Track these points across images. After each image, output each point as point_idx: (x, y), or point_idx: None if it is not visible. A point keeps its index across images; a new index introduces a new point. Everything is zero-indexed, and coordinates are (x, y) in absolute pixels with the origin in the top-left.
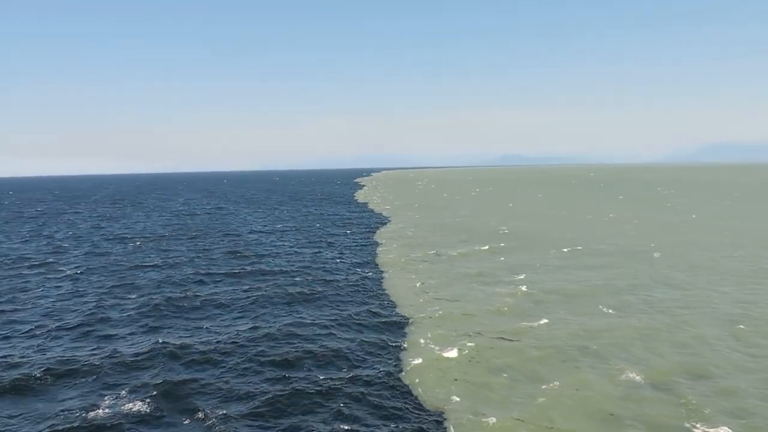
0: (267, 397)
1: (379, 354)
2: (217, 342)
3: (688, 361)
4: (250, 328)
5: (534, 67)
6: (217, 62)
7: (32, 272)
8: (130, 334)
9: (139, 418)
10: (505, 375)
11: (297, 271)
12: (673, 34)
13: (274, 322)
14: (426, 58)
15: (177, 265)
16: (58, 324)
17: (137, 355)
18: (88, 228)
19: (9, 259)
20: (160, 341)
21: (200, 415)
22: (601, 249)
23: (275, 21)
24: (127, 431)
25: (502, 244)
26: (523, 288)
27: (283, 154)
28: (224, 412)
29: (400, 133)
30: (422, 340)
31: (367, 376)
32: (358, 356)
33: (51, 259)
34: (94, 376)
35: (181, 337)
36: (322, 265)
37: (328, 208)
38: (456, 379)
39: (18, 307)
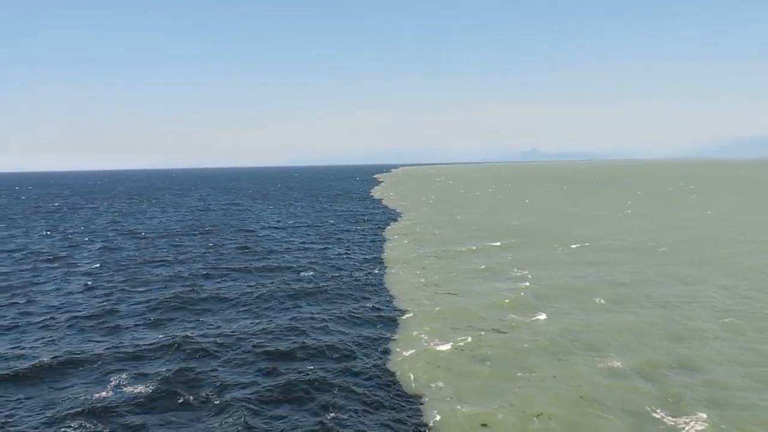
0: (259, 387)
1: (371, 347)
2: (218, 335)
3: (679, 353)
4: (251, 323)
5: (554, 62)
6: (236, 57)
7: (47, 266)
8: (135, 326)
9: (139, 405)
10: (490, 364)
11: (303, 267)
12: (693, 29)
13: (275, 317)
14: (444, 53)
15: (187, 261)
16: (68, 316)
17: (140, 346)
18: (103, 223)
19: (26, 253)
20: (163, 334)
21: (196, 402)
22: (610, 245)
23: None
24: (127, 415)
25: (513, 241)
26: (526, 284)
27: (303, 150)
28: (219, 400)
29: (425, 130)
30: (415, 332)
31: (356, 367)
32: (350, 349)
33: (66, 254)
34: (100, 366)
35: (184, 330)
36: (329, 261)
37: (342, 204)
38: (440, 367)
39: (31, 300)
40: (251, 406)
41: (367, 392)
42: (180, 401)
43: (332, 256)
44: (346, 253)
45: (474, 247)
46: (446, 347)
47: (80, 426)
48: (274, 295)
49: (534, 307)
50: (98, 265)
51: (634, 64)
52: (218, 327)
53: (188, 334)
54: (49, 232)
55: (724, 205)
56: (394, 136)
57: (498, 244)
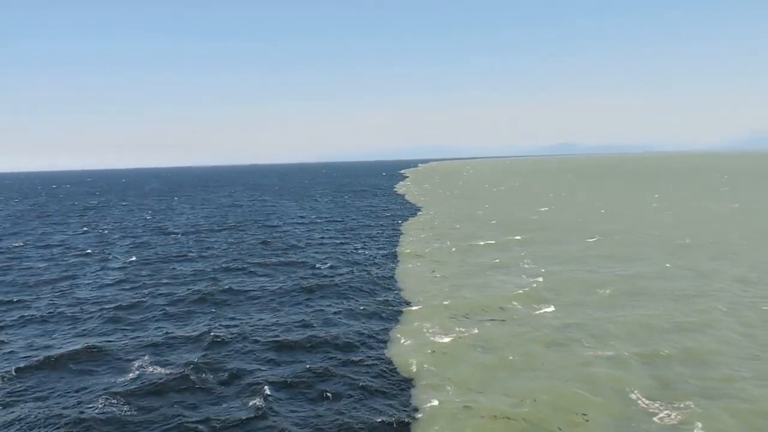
0: (267, 374)
1: (375, 338)
2: (234, 327)
3: (685, 345)
4: (265, 315)
5: (588, 51)
6: (272, 52)
7: (81, 261)
8: (159, 318)
9: (160, 389)
10: (491, 354)
11: (320, 261)
12: (736, 15)
13: (288, 310)
14: (469, 45)
15: (210, 256)
16: (97, 308)
17: (162, 336)
18: (134, 220)
19: (62, 249)
20: (184, 326)
21: (212, 386)
22: (632, 239)
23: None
24: (149, 398)
25: (532, 235)
26: (539, 278)
27: (333, 146)
28: (234, 385)
29: (456, 125)
30: (420, 324)
31: (358, 357)
32: (355, 340)
33: (98, 249)
34: (126, 354)
35: (203, 322)
36: (345, 256)
37: (365, 199)
38: (439, 356)
39: (64, 292)
40: (262, 391)
41: (365, 380)
42: (198, 386)
43: (349, 251)
44: (363, 248)
45: (492, 242)
46: (448, 338)
47: (106, 408)
48: (289, 289)
49: (544, 300)
50: (127, 261)
51: (671, 53)
52: (234, 319)
53: (207, 326)
54: (84, 229)
55: (755, 198)
56: (425, 132)
57: (517, 238)
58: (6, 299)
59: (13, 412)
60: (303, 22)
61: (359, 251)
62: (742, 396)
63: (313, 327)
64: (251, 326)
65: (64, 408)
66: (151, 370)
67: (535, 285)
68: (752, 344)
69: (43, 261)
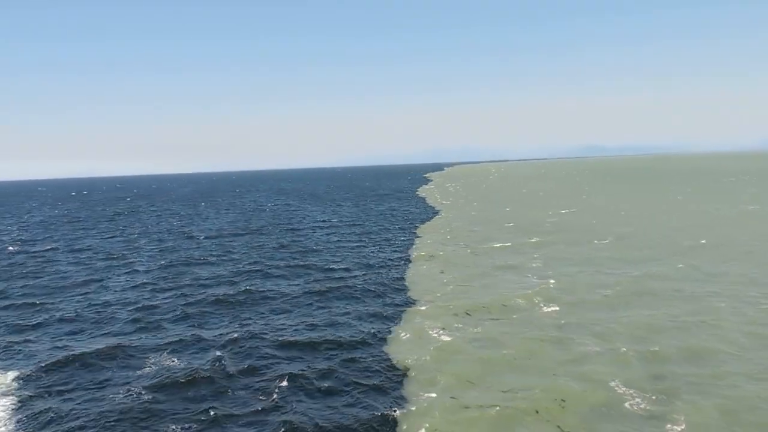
0: (273, 374)
1: (379, 338)
2: (247, 329)
3: (688, 345)
4: (277, 317)
5: (613, 48)
6: (300, 53)
7: (107, 264)
8: (177, 320)
9: (176, 386)
10: (491, 353)
11: (335, 264)
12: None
13: (300, 312)
14: (503, 41)
15: (230, 261)
16: (120, 310)
17: (178, 338)
18: (161, 225)
19: (90, 253)
20: (200, 328)
21: (225, 384)
22: (648, 242)
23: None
24: (165, 395)
25: (548, 238)
26: (550, 280)
27: (361, 150)
28: (245, 384)
29: (484, 127)
30: (425, 324)
31: (362, 357)
32: (359, 341)
33: (125, 254)
34: (145, 353)
35: (218, 325)
36: (361, 259)
37: (386, 203)
38: (439, 355)
39: (89, 295)
40: (272, 387)
41: (366, 377)
42: (211, 383)
43: (365, 254)
44: (379, 251)
45: (508, 244)
46: (451, 337)
47: (125, 403)
48: (303, 291)
49: (550, 300)
50: (152, 264)
51: (704, 48)
52: (249, 320)
53: (221, 326)
54: (112, 234)
55: None
56: (454, 134)
57: (533, 240)
58: (36, 301)
59: (38, 406)
60: (324, 22)
61: (374, 254)
62: (732, 392)
63: (321, 327)
64: (264, 327)
65: (86, 402)
66: (168, 367)
67: (543, 286)
68: (754, 343)
69: (72, 265)
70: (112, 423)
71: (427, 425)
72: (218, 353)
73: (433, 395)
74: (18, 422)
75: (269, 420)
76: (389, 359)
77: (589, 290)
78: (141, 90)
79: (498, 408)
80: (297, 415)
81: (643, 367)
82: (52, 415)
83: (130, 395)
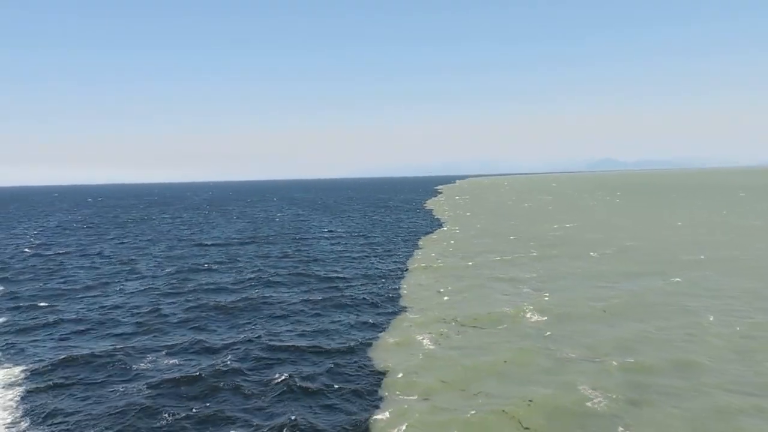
0: (263, 378)
1: (367, 345)
2: (243, 336)
3: (672, 356)
4: (274, 325)
5: (630, 62)
6: (321, 63)
7: (117, 270)
8: (178, 325)
9: (176, 389)
10: (474, 361)
11: (335, 273)
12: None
13: (296, 320)
14: (510, 58)
15: (234, 269)
16: (125, 314)
17: (178, 343)
18: (171, 233)
19: (99, 258)
20: (199, 334)
21: (220, 388)
22: (649, 255)
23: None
24: (166, 398)
25: (549, 251)
26: (545, 293)
27: (375, 161)
28: (240, 389)
29: (498, 139)
30: (411, 331)
31: (348, 365)
32: (348, 347)
33: (133, 260)
34: (148, 357)
35: (213, 331)
36: (361, 270)
37: (394, 215)
38: (422, 361)
39: (97, 299)
40: (263, 392)
41: (352, 384)
42: (205, 386)
43: (365, 264)
44: (380, 262)
45: (508, 257)
46: (436, 345)
47: (126, 405)
48: (300, 300)
49: (543, 313)
50: (159, 271)
51: (724, 62)
52: (246, 327)
53: (219, 333)
54: (123, 240)
55: None
56: (469, 147)
57: (534, 254)
58: (45, 304)
59: (41, 402)
60: (340, 30)
61: (375, 264)
62: (705, 402)
63: (313, 335)
64: (261, 332)
65: (88, 400)
66: (168, 368)
67: (537, 298)
68: (736, 356)
69: (82, 269)
70: (113, 422)
71: (401, 427)
72: (214, 357)
73: (413, 398)
74: (22, 416)
75: (254, 422)
76: (373, 365)
77: (583, 303)
78: (160, 97)
79: (473, 412)
80: (280, 419)
81: (623, 376)
82: (55, 411)
83: (131, 395)
